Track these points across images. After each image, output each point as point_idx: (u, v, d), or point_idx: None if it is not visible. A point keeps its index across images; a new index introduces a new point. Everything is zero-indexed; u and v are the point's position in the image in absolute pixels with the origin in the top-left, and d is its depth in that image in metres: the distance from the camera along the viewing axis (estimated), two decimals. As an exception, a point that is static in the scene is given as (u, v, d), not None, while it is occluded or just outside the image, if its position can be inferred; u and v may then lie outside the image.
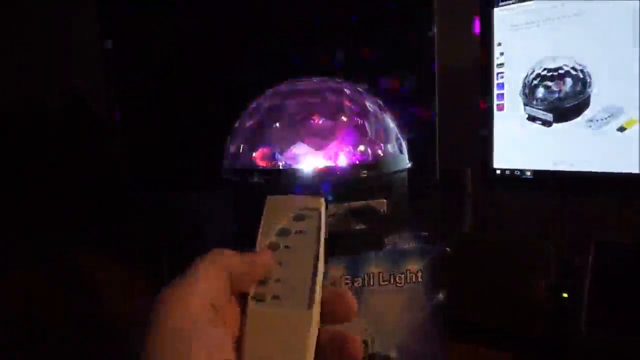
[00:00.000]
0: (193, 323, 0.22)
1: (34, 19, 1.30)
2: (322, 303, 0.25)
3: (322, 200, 0.29)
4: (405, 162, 0.46)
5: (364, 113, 0.43)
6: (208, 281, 0.24)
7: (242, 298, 0.25)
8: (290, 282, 0.25)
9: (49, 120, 1.17)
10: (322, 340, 0.24)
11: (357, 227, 0.42)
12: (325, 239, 0.28)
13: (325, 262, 0.27)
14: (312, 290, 0.24)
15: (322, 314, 0.25)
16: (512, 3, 0.67)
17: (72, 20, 1.22)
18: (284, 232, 0.28)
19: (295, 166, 0.41)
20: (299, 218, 0.29)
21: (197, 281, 0.24)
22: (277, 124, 0.42)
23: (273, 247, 0.27)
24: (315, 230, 0.27)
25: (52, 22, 1.27)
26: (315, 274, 0.25)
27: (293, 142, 0.41)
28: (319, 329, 0.25)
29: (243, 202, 0.46)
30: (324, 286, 0.26)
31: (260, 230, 0.28)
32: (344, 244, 0.41)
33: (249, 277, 0.25)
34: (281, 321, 0.24)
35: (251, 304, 0.25)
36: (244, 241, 0.44)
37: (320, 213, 0.28)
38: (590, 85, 0.61)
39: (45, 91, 1.28)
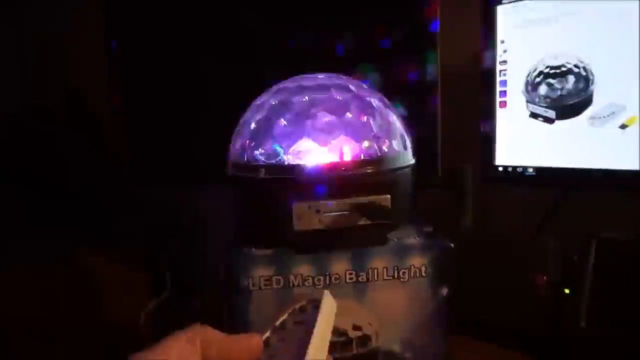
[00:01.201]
0: None
1: (37, 15, 1.30)
2: None
3: (326, 292, 0.28)
4: (410, 159, 0.46)
5: (368, 109, 0.44)
6: (178, 354, 0.22)
7: None
8: None
9: (51, 119, 1.17)
10: None
11: (361, 223, 0.42)
12: (327, 324, 0.26)
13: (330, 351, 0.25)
14: None
15: None
16: (515, 0, 0.67)
17: (75, 15, 1.21)
18: (281, 327, 0.26)
19: (300, 162, 0.41)
20: (300, 311, 0.27)
21: (166, 351, 0.22)
22: (283, 120, 0.42)
23: (267, 343, 0.25)
24: (312, 320, 0.25)
25: (55, 17, 1.27)
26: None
27: (298, 138, 0.42)
28: None
29: (247, 198, 0.46)
30: None
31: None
32: (349, 239, 0.42)
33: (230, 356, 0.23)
34: None
35: None
36: (248, 237, 0.44)
37: (320, 303, 0.27)
38: (592, 83, 0.61)
39: (47, 89, 1.28)
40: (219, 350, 0.23)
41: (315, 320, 0.25)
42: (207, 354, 0.22)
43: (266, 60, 0.71)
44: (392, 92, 0.62)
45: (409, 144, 0.46)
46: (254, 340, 0.24)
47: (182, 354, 0.22)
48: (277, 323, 0.26)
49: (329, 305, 0.27)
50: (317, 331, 0.24)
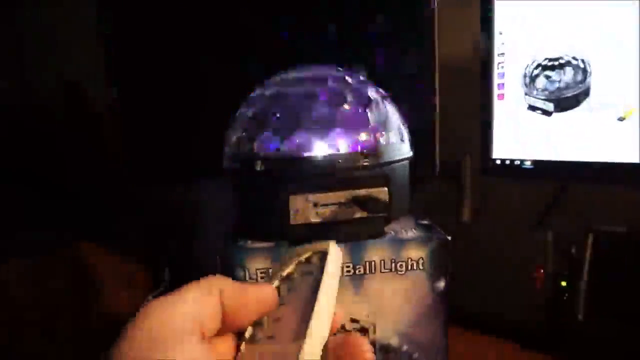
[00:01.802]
0: (173, 332, 0.21)
1: (34, 13, 1.29)
2: (332, 350, 0.23)
3: (332, 242, 0.28)
4: (407, 151, 0.46)
5: (366, 101, 0.43)
6: (196, 301, 0.22)
7: (239, 337, 0.24)
8: (287, 321, 0.23)
9: (50, 118, 1.16)
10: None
11: (358, 215, 0.42)
12: (333, 275, 0.25)
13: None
14: (307, 326, 0.22)
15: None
16: (514, -8, 0.66)
17: (72, 12, 1.21)
18: (288, 278, 0.27)
19: (297, 155, 0.41)
20: (307, 262, 0.28)
21: (184, 297, 0.22)
22: (279, 112, 0.42)
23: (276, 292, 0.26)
24: (319, 270, 0.26)
25: (52, 15, 1.26)
26: (311, 310, 0.23)
27: (294, 131, 0.41)
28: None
29: (244, 191, 0.46)
30: (333, 337, 0.24)
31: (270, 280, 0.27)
32: (345, 232, 0.42)
33: (245, 309, 0.24)
34: (270, 357, 0.22)
35: (244, 345, 0.23)
36: (245, 231, 0.44)
37: (326, 253, 0.27)
38: (590, 75, 0.61)
39: (45, 87, 1.27)
40: (235, 299, 0.23)
41: (322, 270, 0.25)
42: (224, 302, 0.23)
43: (262, 54, 0.71)
44: (389, 84, 0.62)
45: (406, 136, 0.46)
46: (269, 290, 0.25)
47: (200, 300, 0.22)
48: (284, 273, 0.27)
49: (335, 255, 0.27)
50: (325, 281, 0.24)
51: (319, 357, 0.22)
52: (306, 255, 0.28)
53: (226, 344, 0.24)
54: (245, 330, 0.24)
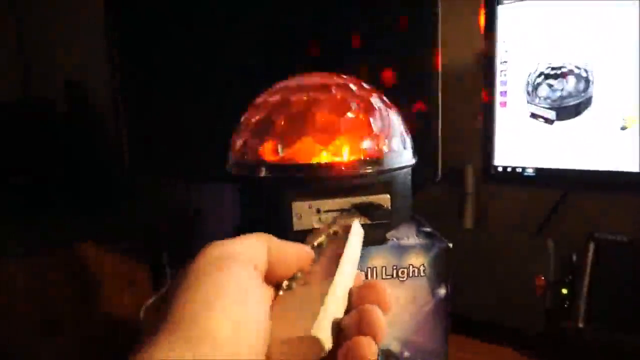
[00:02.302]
0: (234, 260, 0.24)
1: (37, 9, 1.29)
2: (354, 296, 0.27)
3: (356, 220, 0.33)
4: (409, 158, 0.46)
5: (369, 109, 0.44)
6: (251, 245, 0.26)
7: (276, 289, 0.27)
8: (318, 274, 0.27)
9: (52, 113, 1.17)
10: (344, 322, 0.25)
11: (361, 222, 0.42)
12: (356, 247, 0.30)
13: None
14: (333, 272, 0.26)
15: (354, 306, 0.26)
16: (517, 0, 0.67)
17: (75, 7, 1.21)
18: (319, 246, 0.31)
19: (300, 161, 0.41)
20: (334, 234, 0.32)
21: (240, 241, 0.26)
22: (283, 119, 0.43)
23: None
24: (344, 237, 0.31)
25: (55, 9, 1.26)
26: (337, 266, 0.27)
27: (298, 137, 0.42)
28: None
29: (247, 196, 0.46)
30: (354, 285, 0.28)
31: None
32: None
33: (286, 263, 0.27)
34: (302, 297, 0.26)
35: (281, 292, 0.27)
36: (247, 234, 0.45)
37: (350, 227, 0.32)
38: (592, 84, 0.61)
39: (47, 82, 1.28)
40: (278, 252, 0.27)
41: (346, 239, 0.30)
42: (270, 253, 0.26)
43: (267, 59, 0.72)
44: (391, 91, 0.62)
45: (408, 143, 0.46)
46: (307, 249, 0.29)
47: (254, 245, 0.26)
48: (316, 242, 0.31)
49: (357, 230, 0.32)
50: (348, 248, 0.29)
51: (342, 296, 0.26)
52: (334, 229, 0.33)
53: (267, 292, 0.26)
54: (282, 283, 0.27)
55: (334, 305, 0.25)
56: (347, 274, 0.27)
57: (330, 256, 0.29)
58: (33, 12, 1.29)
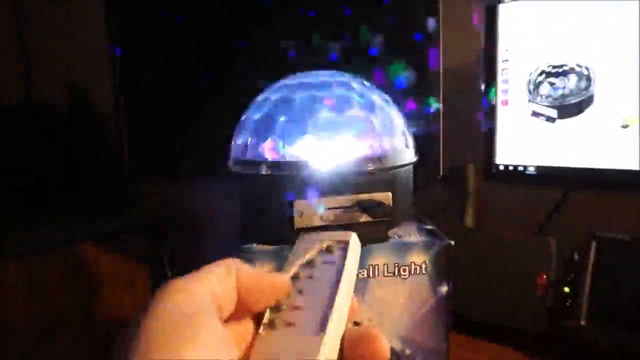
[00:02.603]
0: (197, 308, 0.21)
1: (38, 11, 1.30)
2: (347, 343, 0.23)
3: (353, 234, 0.29)
4: (411, 156, 0.46)
5: (371, 107, 0.44)
6: (216, 279, 0.22)
7: (256, 321, 0.24)
8: (307, 309, 0.24)
9: (53, 114, 1.17)
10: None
11: (363, 220, 0.42)
12: (352, 268, 0.27)
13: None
14: (327, 317, 0.23)
15: (346, 358, 0.23)
16: (518, -1, 0.67)
17: (76, 10, 1.21)
18: (309, 264, 0.27)
19: (302, 159, 0.41)
20: (327, 251, 0.28)
21: (201, 277, 0.22)
22: (284, 117, 0.43)
23: (296, 276, 0.26)
24: (341, 261, 0.27)
25: (56, 12, 1.26)
26: (332, 301, 0.23)
27: (300, 135, 0.42)
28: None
29: (249, 194, 0.46)
30: (351, 327, 0.24)
31: (286, 263, 0.27)
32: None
33: (260, 294, 0.24)
34: (289, 347, 0.22)
35: (262, 329, 0.23)
36: (250, 233, 0.45)
37: (348, 245, 0.28)
38: (594, 82, 0.61)
39: (49, 84, 1.28)
40: (250, 283, 0.23)
41: (343, 260, 0.26)
42: (240, 284, 0.23)
43: (269, 57, 0.72)
44: (393, 89, 0.62)
45: (410, 141, 0.47)
46: (283, 278, 0.25)
47: (217, 280, 0.22)
48: (304, 260, 0.27)
49: (355, 248, 0.28)
50: (345, 275, 0.25)
51: (337, 352, 0.23)
52: (327, 244, 0.28)
53: (243, 327, 0.24)
54: (262, 316, 0.24)
55: (331, 355, 0.22)
56: (343, 314, 0.24)
57: (322, 284, 0.25)
58: (34, 13, 1.29)
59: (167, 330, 0.20)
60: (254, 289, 0.24)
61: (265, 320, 0.24)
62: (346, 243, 0.28)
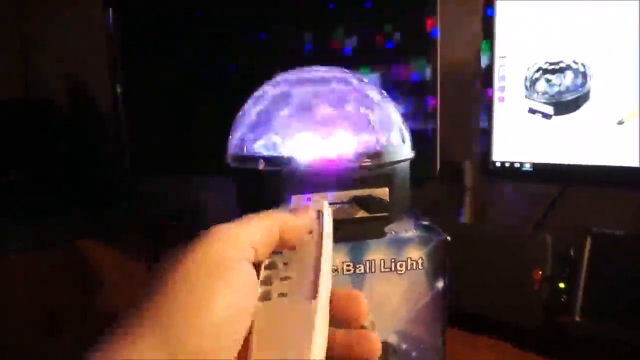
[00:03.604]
0: (235, 253, 0.23)
1: (37, 6, 1.29)
2: (333, 304, 0.26)
3: (324, 202, 0.32)
4: (408, 152, 0.46)
5: (368, 103, 0.44)
6: (258, 227, 0.25)
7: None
8: (295, 279, 0.26)
9: (53, 110, 1.17)
10: (337, 339, 0.25)
11: (359, 215, 0.42)
12: (329, 234, 0.29)
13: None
14: (316, 284, 0.25)
15: (334, 316, 0.26)
16: (515, -5, 0.67)
17: (75, 6, 1.21)
18: None
19: (299, 154, 0.42)
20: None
21: (246, 223, 0.25)
22: (282, 112, 0.43)
23: (278, 251, 0.27)
24: (317, 230, 0.29)
25: (55, 5, 1.26)
26: (318, 269, 0.26)
27: (297, 130, 0.42)
28: (335, 331, 0.26)
29: (247, 189, 0.46)
30: (333, 289, 0.27)
31: None
32: (346, 232, 0.42)
33: (291, 235, 0.27)
34: (287, 314, 0.24)
35: (258, 304, 0.24)
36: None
37: (321, 213, 0.30)
38: (590, 79, 0.62)
39: (48, 80, 1.27)
40: (289, 232, 0.27)
41: (320, 228, 0.29)
42: (281, 236, 0.26)
43: (266, 55, 0.72)
44: (391, 86, 0.63)
45: (407, 137, 0.47)
46: (306, 220, 0.29)
47: (262, 232, 0.25)
48: None
49: (328, 214, 0.31)
50: (325, 239, 0.28)
51: (328, 313, 0.25)
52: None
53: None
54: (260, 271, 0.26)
55: (322, 322, 0.24)
56: (328, 272, 0.26)
57: (304, 251, 0.27)
58: (34, 11, 1.29)
59: (203, 272, 0.21)
60: (291, 229, 0.27)
61: (258, 293, 0.25)
62: (320, 212, 0.30)
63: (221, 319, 0.20)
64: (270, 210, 0.27)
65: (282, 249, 0.27)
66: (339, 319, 0.26)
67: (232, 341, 0.21)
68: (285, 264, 0.27)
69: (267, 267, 0.26)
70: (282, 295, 0.25)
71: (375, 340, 0.26)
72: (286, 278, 0.26)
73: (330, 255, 0.28)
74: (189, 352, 0.19)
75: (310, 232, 0.29)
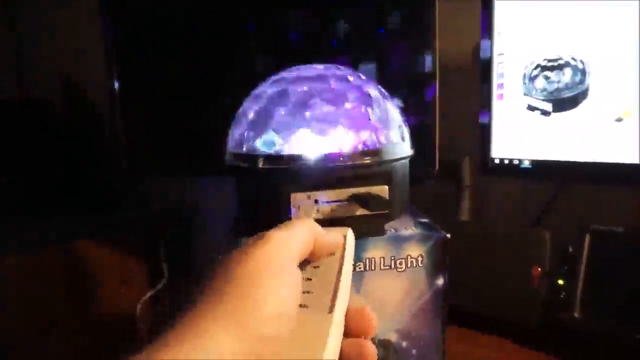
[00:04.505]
0: (289, 254, 0.27)
1: (32, 6, 1.28)
2: (348, 318, 0.29)
3: (349, 229, 0.36)
4: (408, 150, 0.46)
5: (367, 100, 0.44)
6: (301, 233, 0.29)
7: None
8: (316, 293, 0.29)
9: (49, 110, 1.16)
10: (344, 348, 0.28)
11: (359, 213, 0.42)
12: (350, 258, 0.33)
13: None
14: (334, 299, 0.28)
15: (346, 329, 0.29)
16: (514, -8, 0.67)
17: (72, 5, 1.20)
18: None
19: (298, 152, 0.41)
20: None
21: (294, 230, 0.29)
22: (281, 110, 0.42)
23: (302, 266, 0.30)
24: (340, 252, 0.32)
25: (52, 7, 1.25)
26: (337, 288, 0.29)
27: (296, 128, 0.42)
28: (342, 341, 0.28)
29: (245, 188, 0.46)
30: (348, 306, 0.30)
31: None
32: (346, 230, 0.42)
33: (325, 248, 0.31)
34: (307, 323, 0.26)
35: None
36: (246, 227, 0.45)
37: (346, 239, 0.34)
38: (589, 76, 0.62)
39: (44, 80, 1.27)
40: (320, 244, 0.31)
41: (343, 252, 0.32)
42: (315, 239, 0.30)
43: (263, 51, 0.71)
44: (390, 83, 0.62)
45: (407, 135, 0.47)
46: (338, 238, 0.33)
47: (304, 239, 0.29)
48: None
49: (351, 240, 0.35)
50: (346, 262, 0.31)
51: (343, 325, 0.28)
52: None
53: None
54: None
55: (336, 334, 0.27)
56: (347, 291, 0.30)
57: (327, 270, 0.31)
58: (29, 11, 1.28)
59: (262, 270, 0.25)
60: (321, 243, 0.31)
61: None
62: (344, 237, 0.34)
63: (278, 309, 0.24)
64: (308, 220, 0.31)
65: (311, 258, 0.30)
66: (350, 331, 0.29)
67: (286, 331, 0.24)
68: (308, 279, 0.30)
69: None
70: (303, 306, 0.28)
71: (370, 347, 0.29)
72: (308, 292, 0.29)
73: (349, 277, 0.31)
74: (253, 337, 0.23)
75: (333, 254, 0.32)
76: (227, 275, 0.25)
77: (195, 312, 0.23)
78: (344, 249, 0.33)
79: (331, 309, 0.27)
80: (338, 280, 0.30)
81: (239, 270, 0.25)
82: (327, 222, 0.41)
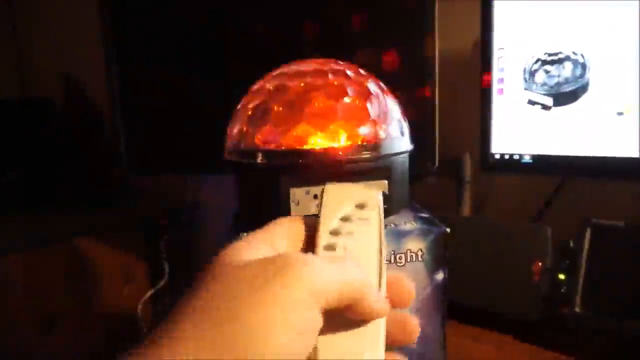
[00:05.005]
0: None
1: (32, 5, 1.28)
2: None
3: (384, 185, 0.32)
4: (407, 144, 0.46)
5: (366, 94, 0.43)
6: (284, 232, 0.27)
7: None
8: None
9: (50, 108, 1.16)
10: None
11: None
12: (383, 225, 0.28)
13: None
14: (381, 275, 0.25)
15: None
16: (514, -14, 0.67)
17: (72, 3, 1.20)
18: (346, 219, 0.28)
19: (298, 147, 0.41)
20: (360, 206, 0.29)
21: (272, 230, 0.27)
22: (280, 105, 0.42)
23: (336, 232, 0.27)
24: (377, 217, 0.28)
25: (52, 6, 1.25)
26: (381, 259, 0.26)
27: (295, 123, 0.42)
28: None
29: (245, 184, 0.46)
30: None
31: (321, 216, 0.28)
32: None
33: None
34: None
35: None
36: (246, 222, 0.45)
37: (380, 200, 0.29)
38: (589, 70, 0.61)
39: (45, 79, 1.27)
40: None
41: (378, 216, 0.28)
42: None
43: (263, 49, 0.71)
44: (389, 78, 0.62)
45: (406, 129, 0.46)
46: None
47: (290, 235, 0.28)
48: (341, 215, 0.28)
49: (381, 202, 0.29)
50: (382, 228, 0.27)
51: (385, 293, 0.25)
52: (360, 201, 0.29)
53: None
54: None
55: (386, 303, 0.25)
56: (385, 261, 0.26)
57: (365, 238, 0.27)
58: (30, 10, 1.28)
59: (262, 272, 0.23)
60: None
61: None
62: (378, 198, 0.29)
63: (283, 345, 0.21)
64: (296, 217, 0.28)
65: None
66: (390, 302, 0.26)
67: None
68: (344, 247, 0.26)
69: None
70: None
71: (414, 323, 0.27)
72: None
73: (385, 245, 0.27)
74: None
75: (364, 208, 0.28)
76: (230, 307, 0.22)
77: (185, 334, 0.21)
78: (380, 213, 0.28)
79: (379, 287, 0.24)
80: (380, 251, 0.26)
81: (244, 307, 0.21)
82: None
